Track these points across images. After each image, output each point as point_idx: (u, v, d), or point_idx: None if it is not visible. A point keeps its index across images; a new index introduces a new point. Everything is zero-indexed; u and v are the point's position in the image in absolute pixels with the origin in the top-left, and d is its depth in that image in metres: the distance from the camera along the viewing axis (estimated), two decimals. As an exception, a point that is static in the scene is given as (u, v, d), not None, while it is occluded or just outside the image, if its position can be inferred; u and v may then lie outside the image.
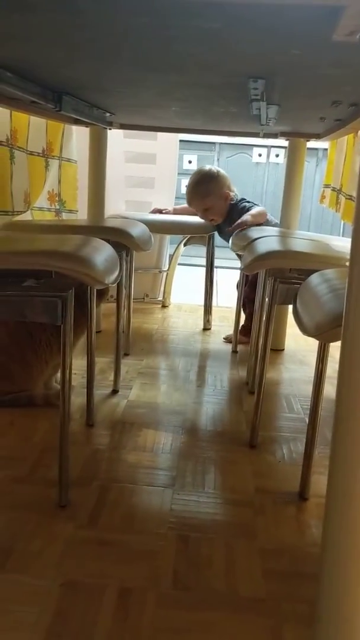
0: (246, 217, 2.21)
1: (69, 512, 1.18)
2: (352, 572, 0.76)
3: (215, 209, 2.42)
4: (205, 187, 2.41)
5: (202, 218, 2.47)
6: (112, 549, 1.07)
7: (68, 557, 1.04)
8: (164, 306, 3.04)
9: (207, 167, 2.52)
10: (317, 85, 1.17)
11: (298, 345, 2.42)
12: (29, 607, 0.92)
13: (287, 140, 2.28)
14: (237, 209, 2.38)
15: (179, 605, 0.94)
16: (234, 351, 2.35)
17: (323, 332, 0.88)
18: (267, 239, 1.71)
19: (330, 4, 0.61)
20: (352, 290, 0.69)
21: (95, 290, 1.57)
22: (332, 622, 0.78)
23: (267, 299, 1.54)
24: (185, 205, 2.57)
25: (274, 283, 1.45)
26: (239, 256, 2.50)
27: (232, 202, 2.41)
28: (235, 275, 2.46)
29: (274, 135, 2.22)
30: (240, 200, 2.43)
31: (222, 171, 2.49)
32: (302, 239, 1.84)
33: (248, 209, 2.32)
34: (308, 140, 2.23)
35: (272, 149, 4.70)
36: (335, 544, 0.77)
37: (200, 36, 0.84)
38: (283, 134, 2.19)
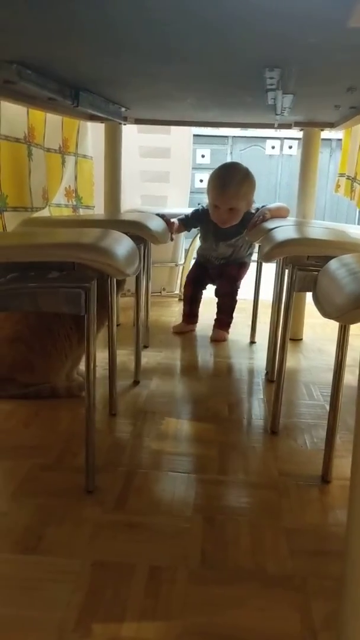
0: (264, 210, 2.18)
1: (96, 497, 1.21)
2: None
3: (239, 213, 2.24)
4: (245, 189, 2.21)
5: (218, 217, 2.26)
6: (140, 530, 1.10)
7: (97, 538, 1.07)
8: (180, 299, 3.06)
9: (244, 166, 2.31)
10: (333, 72, 1.19)
11: (316, 334, 2.43)
12: (62, 585, 0.95)
13: (301, 130, 2.29)
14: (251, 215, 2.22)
15: (209, 581, 0.97)
16: (252, 342, 2.37)
17: (344, 314, 0.89)
18: (285, 228, 1.72)
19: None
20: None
21: (115, 281, 1.59)
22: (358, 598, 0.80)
23: (285, 287, 1.55)
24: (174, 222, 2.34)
25: (292, 271, 1.46)
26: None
27: (251, 211, 2.26)
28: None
29: (288, 126, 2.23)
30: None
31: None
32: (319, 228, 1.85)
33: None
34: (322, 130, 2.24)
35: (285, 140, 4.70)
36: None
37: (216, 25, 0.86)
38: (297, 124, 2.20)
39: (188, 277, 2.56)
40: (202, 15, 0.81)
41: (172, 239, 2.30)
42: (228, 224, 2.28)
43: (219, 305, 2.44)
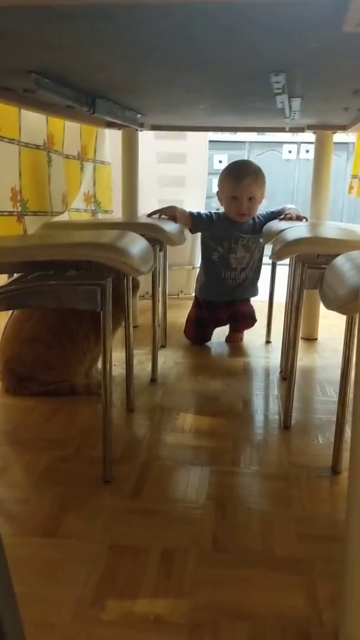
0: (293, 207, 2.25)
1: (113, 487, 1.26)
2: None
3: (256, 204, 2.27)
4: (261, 177, 2.25)
5: (238, 208, 2.23)
6: (155, 516, 1.15)
7: (114, 523, 1.12)
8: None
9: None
10: (337, 75, 1.23)
11: (331, 334, 2.46)
12: (80, 566, 1.00)
13: (314, 133, 2.33)
14: (261, 217, 2.32)
15: (219, 563, 1.01)
16: (267, 341, 2.41)
17: (345, 304, 0.93)
18: (296, 228, 1.76)
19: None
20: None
21: (131, 281, 1.65)
22: (357, 577, 0.83)
23: (297, 285, 1.59)
24: (184, 210, 2.33)
25: (302, 269, 1.50)
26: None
27: (260, 217, 2.33)
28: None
29: (301, 129, 2.28)
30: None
31: None
32: (330, 228, 1.89)
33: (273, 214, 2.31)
34: (334, 132, 2.28)
35: (302, 145, 4.73)
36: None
37: (220, 35, 0.91)
38: (310, 127, 2.24)
39: (189, 319, 2.45)
40: (206, 27, 0.86)
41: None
42: (248, 215, 2.27)
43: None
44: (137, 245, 1.36)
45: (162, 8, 0.78)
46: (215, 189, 2.37)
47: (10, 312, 1.81)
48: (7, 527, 1.12)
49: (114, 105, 1.73)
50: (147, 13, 0.81)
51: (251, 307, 2.44)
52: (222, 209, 2.34)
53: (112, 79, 1.36)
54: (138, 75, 1.28)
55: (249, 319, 2.43)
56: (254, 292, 2.44)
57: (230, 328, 2.47)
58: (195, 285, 2.53)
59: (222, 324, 2.45)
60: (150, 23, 0.86)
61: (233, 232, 2.30)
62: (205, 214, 2.36)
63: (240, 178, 2.22)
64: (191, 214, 2.32)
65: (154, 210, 2.29)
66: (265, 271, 2.46)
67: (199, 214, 2.34)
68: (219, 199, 2.32)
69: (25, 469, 1.33)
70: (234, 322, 2.44)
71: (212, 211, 2.40)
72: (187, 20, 0.84)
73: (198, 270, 3.05)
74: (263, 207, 2.35)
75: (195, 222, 2.33)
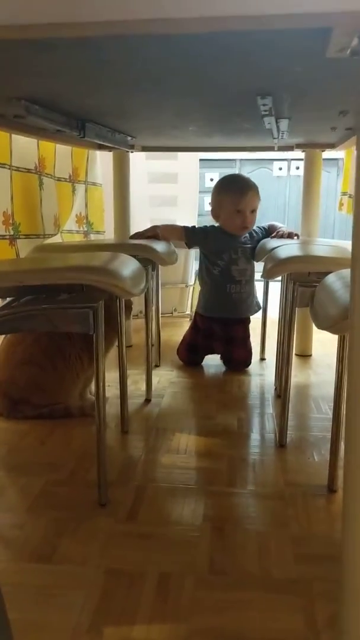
0: (284, 226, 2.27)
1: (109, 510, 1.25)
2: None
3: (255, 216, 2.26)
4: (258, 191, 2.25)
5: (242, 222, 2.22)
6: (151, 540, 1.14)
7: (110, 548, 1.11)
8: (191, 318, 3.11)
9: None
10: (323, 97, 1.25)
11: (325, 350, 2.47)
12: (76, 591, 0.99)
13: (303, 151, 2.36)
14: (258, 232, 2.34)
15: (216, 587, 1.00)
16: (262, 359, 2.41)
17: (336, 324, 0.94)
18: (287, 247, 1.78)
19: (317, 27, 0.68)
20: (356, 280, 0.75)
21: (123, 303, 1.65)
22: (354, 598, 0.83)
23: (289, 303, 1.60)
24: (170, 224, 2.38)
25: (293, 287, 1.51)
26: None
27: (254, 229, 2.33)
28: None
29: (290, 148, 2.30)
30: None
31: None
32: (321, 245, 1.90)
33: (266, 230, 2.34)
34: (323, 151, 2.31)
35: (292, 162, 4.77)
36: (355, 523, 0.82)
37: (206, 62, 0.93)
38: (299, 146, 2.27)
39: (183, 340, 2.43)
40: (193, 54, 0.87)
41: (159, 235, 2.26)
42: (250, 227, 2.26)
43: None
44: (128, 267, 1.37)
45: (148, 38, 0.79)
46: (207, 207, 2.36)
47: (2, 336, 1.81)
48: (2, 553, 1.11)
49: (104, 128, 1.75)
50: (133, 42, 0.82)
51: (249, 346, 2.35)
52: (217, 225, 2.33)
53: (101, 105, 1.37)
54: (127, 100, 1.29)
55: (242, 344, 2.32)
56: (256, 308, 2.40)
57: (225, 364, 2.36)
58: (197, 303, 2.44)
59: (216, 351, 2.37)
60: (137, 51, 0.87)
61: (231, 243, 2.27)
62: (200, 228, 2.35)
63: (244, 191, 2.21)
64: (185, 228, 2.30)
65: (134, 233, 2.32)
66: (259, 288, 2.47)
67: (193, 227, 2.34)
68: (216, 216, 2.28)
69: (20, 494, 1.33)
70: (228, 353, 2.34)
71: (207, 225, 2.40)
72: (173, 48, 0.85)
73: (193, 288, 3.08)
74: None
75: (190, 235, 2.30)
